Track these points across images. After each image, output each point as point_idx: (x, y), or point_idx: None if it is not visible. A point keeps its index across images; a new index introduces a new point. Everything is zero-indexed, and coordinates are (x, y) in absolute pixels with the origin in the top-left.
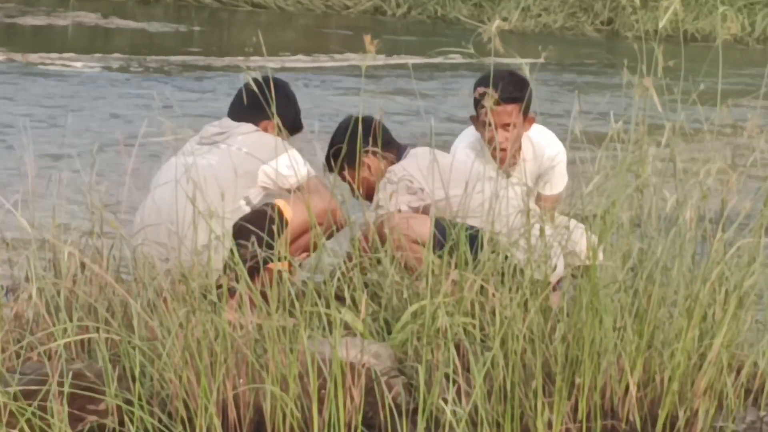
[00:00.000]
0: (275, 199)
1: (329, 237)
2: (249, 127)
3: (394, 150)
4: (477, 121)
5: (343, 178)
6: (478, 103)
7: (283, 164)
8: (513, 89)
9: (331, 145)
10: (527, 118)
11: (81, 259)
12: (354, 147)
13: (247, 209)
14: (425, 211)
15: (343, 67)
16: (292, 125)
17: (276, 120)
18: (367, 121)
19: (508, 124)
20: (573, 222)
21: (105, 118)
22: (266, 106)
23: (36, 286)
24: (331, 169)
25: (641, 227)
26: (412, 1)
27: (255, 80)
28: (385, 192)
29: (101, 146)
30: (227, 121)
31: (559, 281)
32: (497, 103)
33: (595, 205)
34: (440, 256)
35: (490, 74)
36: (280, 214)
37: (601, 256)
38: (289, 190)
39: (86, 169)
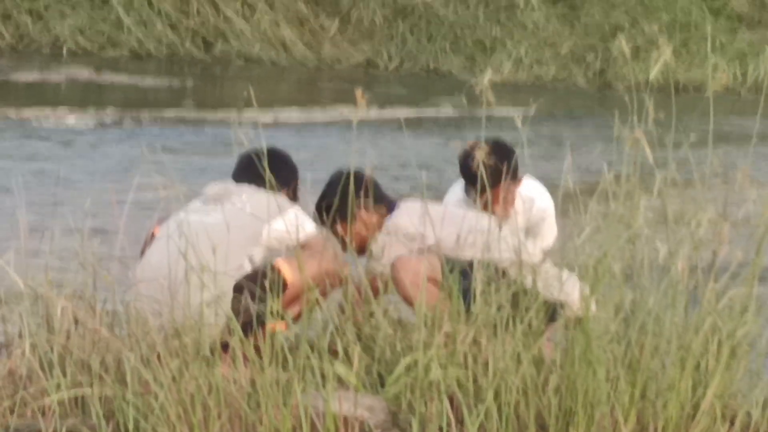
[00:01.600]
0: (276, 260)
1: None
2: (252, 187)
3: (386, 204)
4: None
5: (335, 232)
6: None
7: (290, 221)
8: (495, 174)
9: (322, 198)
10: (515, 180)
11: (74, 314)
12: (345, 201)
13: (248, 268)
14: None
15: (335, 120)
16: (294, 196)
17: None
18: (359, 176)
19: (497, 201)
20: (566, 273)
21: (98, 172)
22: (273, 175)
23: (29, 341)
24: (321, 222)
25: (633, 278)
26: (405, 54)
27: (257, 150)
28: (381, 244)
29: (93, 201)
30: (231, 183)
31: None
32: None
33: (588, 255)
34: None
35: (474, 155)
36: (279, 274)
37: (593, 306)
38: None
39: (79, 224)
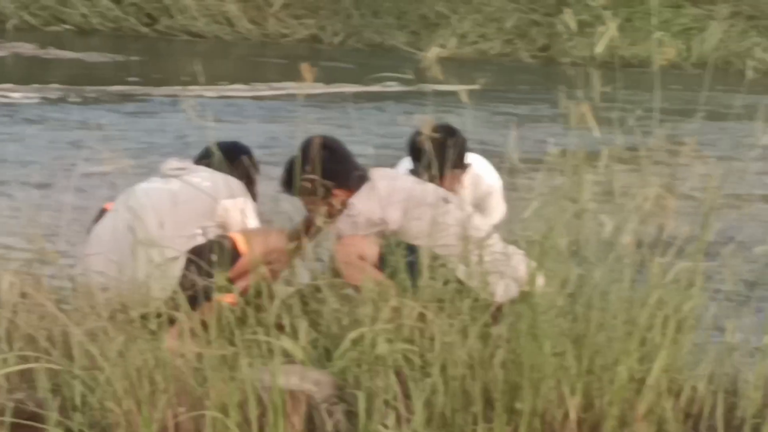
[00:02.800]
0: (230, 233)
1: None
2: (209, 169)
3: (360, 178)
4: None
5: (307, 205)
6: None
7: (241, 205)
8: (442, 151)
9: (292, 165)
10: (462, 164)
11: (21, 289)
12: (318, 173)
13: (201, 239)
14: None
15: (280, 95)
16: (252, 193)
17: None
18: (332, 143)
19: (444, 178)
20: (512, 248)
21: (43, 148)
22: (235, 167)
23: None
24: (289, 191)
25: (580, 253)
26: (350, 29)
27: (223, 143)
28: (343, 225)
29: (39, 177)
30: (190, 162)
31: (499, 308)
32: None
33: (534, 230)
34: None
35: (422, 132)
36: (234, 246)
37: (540, 281)
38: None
39: (25, 199)
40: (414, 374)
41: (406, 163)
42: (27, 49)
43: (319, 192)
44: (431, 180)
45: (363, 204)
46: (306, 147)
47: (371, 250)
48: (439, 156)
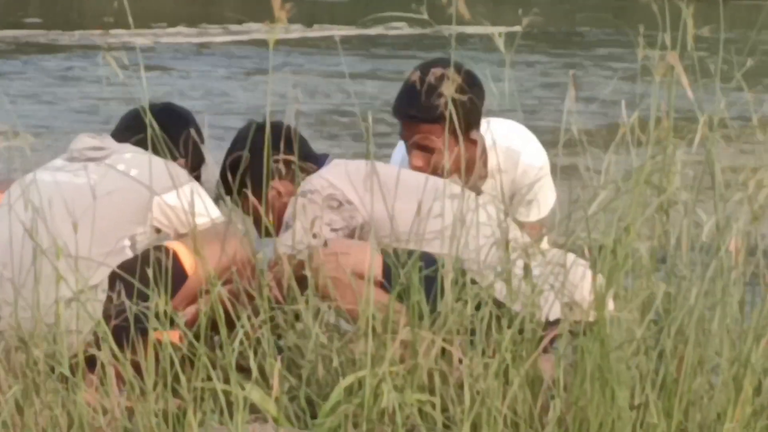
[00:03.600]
0: (169, 242)
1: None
2: (138, 148)
3: (314, 164)
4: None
5: (245, 209)
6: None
7: (190, 198)
8: (427, 106)
9: (228, 159)
10: (468, 138)
11: None
12: (259, 167)
13: (130, 253)
14: (361, 236)
15: (241, 42)
16: (196, 171)
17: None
18: (277, 130)
19: (425, 147)
20: (571, 257)
21: None
22: (171, 140)
23: None
24: (228, 193)
25: (667, 263)
26: None
27: (150, 106)
28: (296, 211)
29: None
30: (109, 139)
31: (552, 340)
32: (408, 118)
33: (603, 232)
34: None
35: (413, 84)
36: (177, 261)
37: (611, 304)
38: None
39: None
40: None
41: (399, 150)
42: None
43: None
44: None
45: (319, 179)
46: (241, 134)
47: (372, 261)
48: (457, 111)
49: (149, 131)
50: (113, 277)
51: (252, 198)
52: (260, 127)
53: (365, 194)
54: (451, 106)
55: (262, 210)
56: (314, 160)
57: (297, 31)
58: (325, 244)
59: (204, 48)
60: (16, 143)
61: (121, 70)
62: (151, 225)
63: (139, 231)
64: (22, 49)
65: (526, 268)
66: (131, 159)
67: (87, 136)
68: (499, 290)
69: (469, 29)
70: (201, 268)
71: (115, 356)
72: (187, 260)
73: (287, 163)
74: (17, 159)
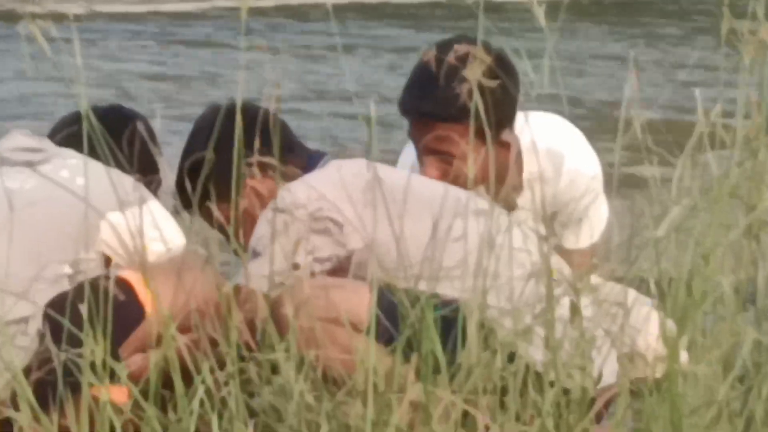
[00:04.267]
0: (121, 270)
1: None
2: (83, 156)
3: (300, 161)
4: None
5: (209, 218)
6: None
7: (148, 220)
8: (452, 93)
9: (187, 157)
10: (499, 140)
11: None
12: (227, 162)
13: (66, 284)
14: (357, 268)
15: (204, 11)
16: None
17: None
18: (251, 114)
19: (443, 152)
20: (632, 294)
21: None
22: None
23: None
24: (186, 202)
25: (757, 302)
26: None
27: (97, 109)
28: (266, 228)
29: None
30: (47, 141)
31: (608, 403)
32: (421, 115)
33: (674, 261)
34: (391, 354)
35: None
36: (131, 295)
37: (684, 355)
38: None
39: None
40: None
41: (411, 151)
42: None
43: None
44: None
45: (305, 188)
46: (203, 120)
47: (363, 304)
48: (485, 103)
49: (89, 132)
50: (47, 313)
51: (216, 210)
52: (229, 113)
53: (365, 210)
54: (477, 98)
55: (231, 222)
56: (302, 157)
57: None
58: (312, 274)
59: (151, 17)
60: None
61: (48, 45)
62: (99, 250)
63: (83, 257)
64: None
65: (574, 309)
66: (76, 166)
67: (20, 134)
68: (540, 354)
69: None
70: (167, 301)
71: (36, 419)
72: (143, 292)
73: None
74: None
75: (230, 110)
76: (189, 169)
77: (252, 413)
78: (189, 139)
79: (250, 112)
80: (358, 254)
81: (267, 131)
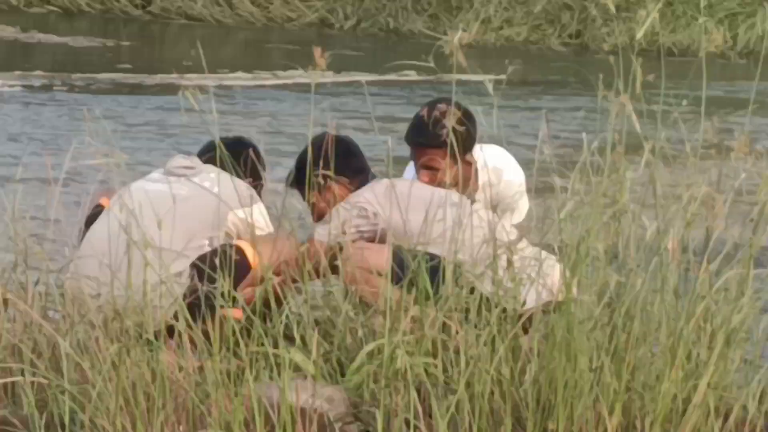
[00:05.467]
0: (238, 240)
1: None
2: (220, 171)
3: (365, 178)
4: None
5: (308, 200)
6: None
7: (258, 213)
8: (432, 135)
9: (300, 161)
10: (465, 160)
11: (4, 295)
12: (323, 168)
13: (205, 250)
14: (381, 238)
15: (287, 84)
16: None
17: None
18: (345, 142)
19: (434, 167)
20: (544, 253)
21: (27, 141)
22: (243, 167)
23: None
24: (297, 186)
25: (618, 258)
26: (362, 12)
27: (230, 139)
28: (342, 218)
29: (24, 173)
30: (197, 160)
31: (530, 317)
32: (422, 149)
33: (568, 234)
34: (400, 289)
35: (422, 118)
36: (241, 254)
37: (574, 290)
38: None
39: (9, 196)
40: (437, 391)
41: (410, 168)
42: (7, 32)
43: (330, 186)
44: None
45: (360, 201)
46: (317, 142)
47: (379, 259)
48: (456, 138)
49: (221, 155)
50: (192, 266)
51: (315, 197)
52: (321, 143)
53: (386, 205)
54: (451, 136)
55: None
56: (366, 177)
57: (329, 77)
58: (355, 240)
59: (259, 88)
60: (113, 160)
61: (196, 105)
62: (225, 231)
63: (215, 234)
64: (117, 88)
65: (509, 262)
66: (213, 178)
67: (180, 156)
68: (488, 283)
69: (464, 77)
70: (264, 260)
71: (189, 326)
72: (251, 255)
73: (351, 175)
74: (114, 173)
75: (322, 139)
76: (297, 171)
77: (317, 323)
78: (304, 151)
79: (343, 141)
80: (382, 230)
81: (348, 157)
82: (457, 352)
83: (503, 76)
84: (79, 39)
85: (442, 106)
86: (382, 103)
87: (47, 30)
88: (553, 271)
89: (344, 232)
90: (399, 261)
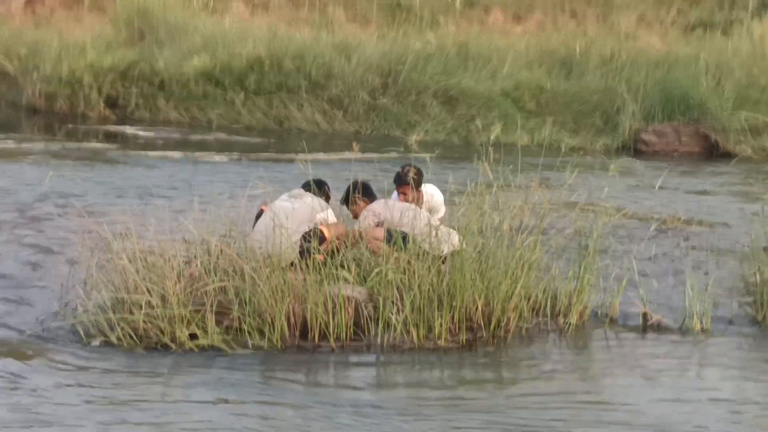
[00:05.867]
0: (320, 226)
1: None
2: (311, 195)
3: (371, 199)
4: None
5: (351, 209)
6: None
7: (328, 214)
8: (405, 179)
9: (346, 193)
10: (418, 190)
11: (220, 248)
12: (356, 192)
13: (306, 229)
14: (380, 225)
15: (343, 159)
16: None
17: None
18: (365, 184)
19: (405, 194)
20: (452, 230)
21: (227, 185)
22: (322, 193)
23: (200, 260)
24: (345, 203)
25: (483, 232)
26: (373, 126)
27: (315, 179)
28: (364, 217)
29: (230, 200)
30: (302, 190)
31: (445, 259)
32: (400, 186)
33: (462, 222)
34: (389, 246)
35: (400, 172)
36: (321, 232)
37: (464, 245)
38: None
39: (222, 210)
40: (405, 288)
41: (395, 194)
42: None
43: (359, 203)
44: (408, 198)
45: (372, 209)
46: (353, 184)
47: (380, 233)
48: (416, 181)
49: (313, 188)
50: (303, 236)
51: (353, 208)
52: (355, 184)
53: (384, 212)
54: (411, 180)
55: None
56: (372, 197)
57: (358, 155)
58: (371, 226)
59: (330, 162)
60: (268, 190)
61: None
62: (315, 222)
63: (311, 224)
64: (272, 161)
65: (433, 230)
66: (308, 200)
67: (296, 189)
68: (426, 244)
69: (417, 155)
70: (328, 234)
71: (299, 261)
72: (325, 231)
73: (365, 196)
74: (268, 197)
75: (354, 182)
76: (345, 196)
77: (353, 260)
78: (347, 188)
79: (365, 183)
80: (381, 222)
81: (367, 190)
82: (413, 272)
83: (432, 154)
84: (254, 138)
85: (407, 167)
86: (382, 168)
87: (239, 134)
88: (454, 237)
89: (367, 224)
90: (389, 234)
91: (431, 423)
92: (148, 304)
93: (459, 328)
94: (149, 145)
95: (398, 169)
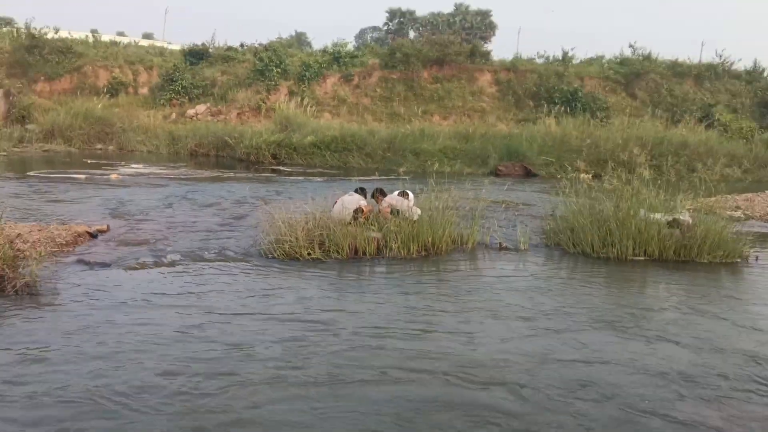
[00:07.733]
0: (362, 206)
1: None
2: (358, 194)
3: (385, 195)
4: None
5: (376, 200)
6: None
7: (365, 202)
8: (382, 192)
9: (373, 192)
10: (384, 197)
11: (321, 216)
12: (377, 192)
13: (355, 206)
14: (389, 208)
15: (364, 179)
16: (365, 198)
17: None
18: (381, 188)
19: (379, 201)
20: (417, 208)
21: (322, 192)
22: (363, 193)
23: (312, 222)
24: (373, 197)
25: (431, 209)
26: (371, 162)
27: (360, 187)
28: (381, 204)
29: (318, 199)
30: (353, 192)
31: (415, 222)
32: (377, 194)
33: (425, 205)
34: (393, 216)
35: (375, 190)
36: (362, 209)
37: (424, 217)
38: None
39: (311, 205)
40: (398, 233)
41: (395, 194)
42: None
43: (378, 197)
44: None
45: (386, 200)
46: (376, 188)
47: (388, 211)
48: (381, 193)
49: (357, 191)
50: (354, 210)
51: (377, 199)
52: (377, 188)
53: (391, 201)
54: (381, 193)
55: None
56: (385, 195)
57: (373, 176)
58: (385, 208)
59: (349, 179)
60: (338, 193)
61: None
62: (360, 205)
63: (357, 207)
64: (324, 175)
65: (411, 209)
66: (356, 197)
67: (352, 190)
68: (409, 215)
69: (406, 177)
70: (366, 210)
71: (353, 222)
72: (364, 208)
73: (381, 194)
74: (338, 195)
75: (375, 188)
76: (372, 195)
77: (377, 222)
78: (374, 190)
79: (381, 188)
80: (390, 206)
81: (382, 191)
82: (401, 226)
83: (409, 177)
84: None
85: (379, 187)
86: (388, 183)
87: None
88: (419, 211)
89: (382, 207)
90: (394, 211)
91: (409, 280)
92: (290, 240)
93: (421, 249)
94: (291, 175)
95: (378, 187)
